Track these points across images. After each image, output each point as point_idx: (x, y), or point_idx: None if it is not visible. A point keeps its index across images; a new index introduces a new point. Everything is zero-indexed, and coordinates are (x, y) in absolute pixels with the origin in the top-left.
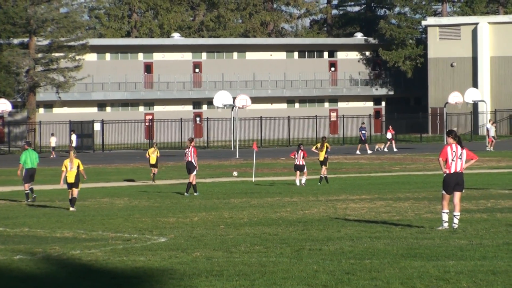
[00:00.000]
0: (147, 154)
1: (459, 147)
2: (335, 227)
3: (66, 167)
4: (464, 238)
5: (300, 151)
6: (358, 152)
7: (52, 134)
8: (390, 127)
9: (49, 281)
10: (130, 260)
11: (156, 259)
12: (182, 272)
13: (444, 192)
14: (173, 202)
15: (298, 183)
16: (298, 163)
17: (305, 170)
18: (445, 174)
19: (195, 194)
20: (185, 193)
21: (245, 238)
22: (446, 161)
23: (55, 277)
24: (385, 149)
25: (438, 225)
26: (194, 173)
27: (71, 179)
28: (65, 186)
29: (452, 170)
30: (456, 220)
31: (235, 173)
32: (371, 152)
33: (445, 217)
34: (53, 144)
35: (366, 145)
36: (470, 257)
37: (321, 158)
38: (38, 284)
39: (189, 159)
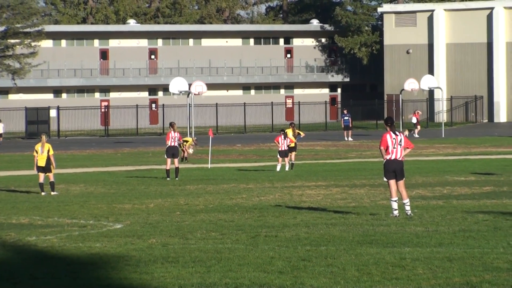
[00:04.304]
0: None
1: (397, 134)
2: (291, 213)
3: (37, 151)
4: (420, 225)
5: (286, 137)
6: (346, 138)
7: None
8: (417, 111)
9: (4, 267)
10: (86, 247)
11: (112, 246)
12: (138, 258)
13: (386, 179)
14: (129, 189)
15: (278, 169)
16: (282, 149)
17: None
18: (385, 160)
19: (176, 179)
20: (176, 178)
21: (201, 225)
22: (387, 148)
23: (11, 263)
24: (416, 135)
25: (390, 213)
26: (178, 157)
27: (41, 163)
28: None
29: (393, 157)
30: (407, 208)
31: (191, 151)
32: (352, 139)
33: (395, 205)
34: (0, 131)
35: (349, 132)
36: (426, 244)
37: (292, 144)
38: None
39: (174, 144)
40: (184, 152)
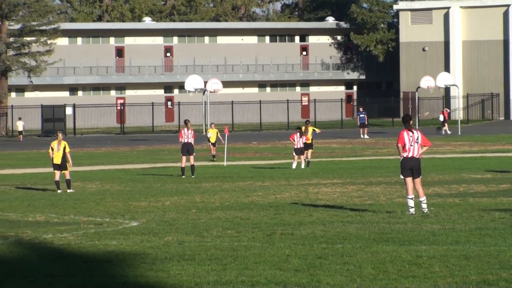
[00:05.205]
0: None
1: (414, 131)
2: (306, 211)
3: (53, 148)
4: (436, 222)
5: (302, 135)
6: (362, 136)
7: (19, 119)
8: (446, 109)
9: (21, 265)
10: (102, 244)
11: (128, 243)
12: (154, 256)
13: (402, 176)
14: (145, 186)
15: (294, 166)
16: (297, 146)
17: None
18: (401, 158)
19: (192, 176)
20: (192, 176)
21: (216, 223)
22: (404, 146)
23: (27, 261)
24: (448, 131)
25: (406, 211)
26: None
27: (57, 161)
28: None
29: (410, 155)
30: (424, 205)
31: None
32: (368, 137)
33: (411, 202)
34: (20, 128)
35: (365, 129)
36: (443, 241)
37: (309, 142)
38: (10, 268)
39: (188, 141)
40: (214, 147)
